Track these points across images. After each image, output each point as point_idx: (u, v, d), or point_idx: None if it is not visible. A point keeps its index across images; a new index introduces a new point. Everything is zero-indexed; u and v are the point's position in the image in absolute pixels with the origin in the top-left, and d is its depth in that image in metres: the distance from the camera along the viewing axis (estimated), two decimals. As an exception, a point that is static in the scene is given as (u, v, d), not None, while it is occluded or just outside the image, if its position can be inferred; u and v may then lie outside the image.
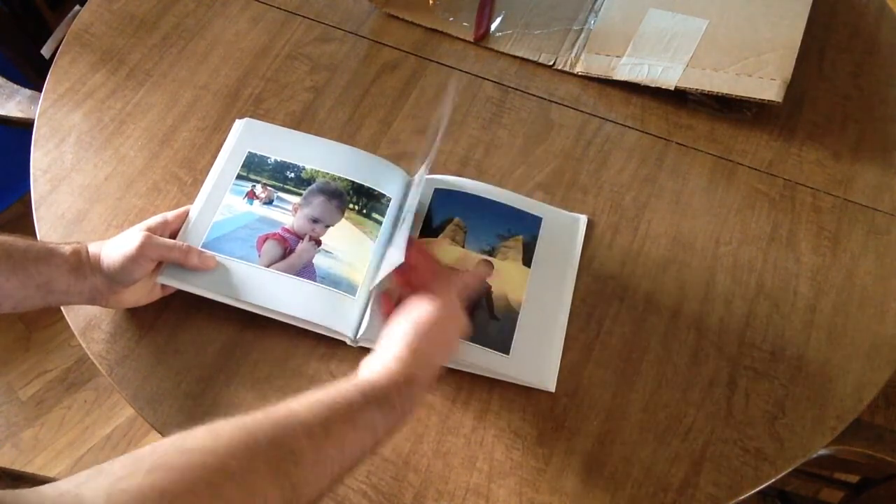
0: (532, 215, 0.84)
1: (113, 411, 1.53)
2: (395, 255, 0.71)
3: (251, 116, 0.89)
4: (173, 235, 0.78)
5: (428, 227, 0.82)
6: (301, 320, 0.75)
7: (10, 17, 1.24)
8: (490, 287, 0.79)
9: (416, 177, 0.81)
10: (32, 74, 1.25)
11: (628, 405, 0.75)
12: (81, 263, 0.70)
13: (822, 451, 0.75)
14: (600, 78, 0.96)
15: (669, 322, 0.80)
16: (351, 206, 0.82)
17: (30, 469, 1.45)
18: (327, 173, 0.84)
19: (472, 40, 1.00)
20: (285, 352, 0.76)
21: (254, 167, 0.83)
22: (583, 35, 1.00)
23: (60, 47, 0.97)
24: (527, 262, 0.81)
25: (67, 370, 1.57)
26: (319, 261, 0.78)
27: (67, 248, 0.70)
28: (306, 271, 0.77)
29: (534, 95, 0.95)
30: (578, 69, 0.97)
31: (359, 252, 0.80)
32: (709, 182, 0.89)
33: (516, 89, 0.96)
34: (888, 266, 0.84)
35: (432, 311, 0.65)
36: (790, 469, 0.72)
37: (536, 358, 0.76)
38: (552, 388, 0.75)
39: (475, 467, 0.71)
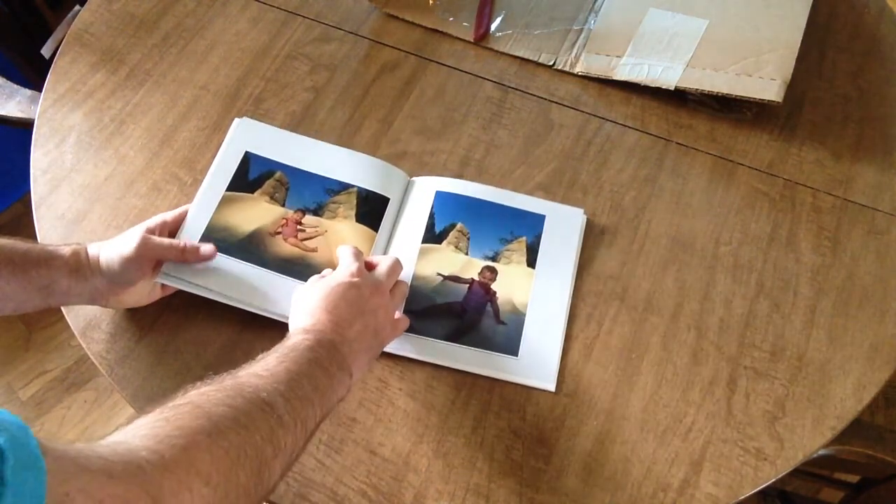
0: (534, 214, 0.84)
1: (113, 411, 1.53)
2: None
3: (251, 117, 0.89)
4: (173, 235, 0.78)
5: (430, 233, 0.82)
6: None
7: (10, 17, 1.24)
8: (495, 293, 0.79)
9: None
10: (32, 74, 1.25)
11: (628, 405, 0.75)
12: (81, 265, 0.70)
13: (822, 451, 0.75)
14: (600, 78, 0.96)
15: (669, 322, 0.80)
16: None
17: (30, 469, 1.45)
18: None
19: (472, 40, 1.00)
20: (285, 352, 0.76)
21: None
22: (583, 35, 1.00)
23: (60, 47, 0.97)
24: (531, 262, 0.81)
25: (67, 370, 1.57)
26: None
27: (67, 250, 0.70)
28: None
29: (534, 95, 0.95)
30: (578, 69, 0.97)
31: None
32: (709, 182, 0.89)
33: (516, 89, 0.96)
34: (888, 266, 0.84)
35: (338, 277, 0.68)
36: (790, 469, 0.72)
37: (541, 357, 0.76)
38: (552, 387, 0.75)
39: (475, 467, 0.71)
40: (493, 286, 0.79)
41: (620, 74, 0.95)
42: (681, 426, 0.74)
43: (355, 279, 0.67)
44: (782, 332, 0.79)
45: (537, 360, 0.76)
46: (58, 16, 1.36)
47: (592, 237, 0.84)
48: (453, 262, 0.80)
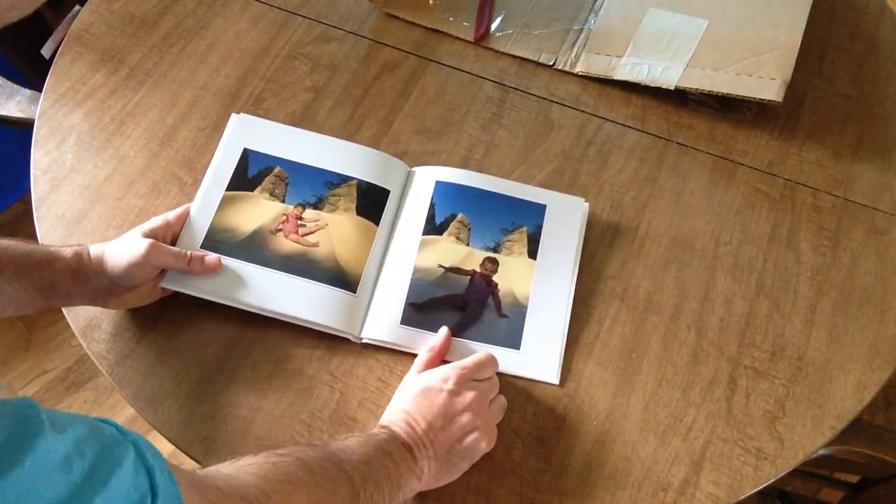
0: (536, 204, 0.84)
1: (113, 411, 1.53)
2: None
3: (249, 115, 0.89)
4: (175, 236, 0.78)
5: (431, 224, 0.82)
6: (305, 321, 0.76)
7: (10, 17, 1.24)
8: (496, 285, 0.79)
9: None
10: (32, 74, 1.25)
11: (628, 405, 0.75)
12: (83, 266, 0.70)
13: (822, 451, 0.75)
14: (600, 78, 0.96)
15: (669, 322, 0.80)
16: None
17: (30, 469, 1.45)
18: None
19: (472, 40, 1.00)
20: (285, 352, 0.76)
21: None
22: (583, 35, 1.00)
23: (60, 47, 0.97)
24: (532, 253, 0.81)
25: (67, 370, 1.57)
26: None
27: (69, 252, 0.70)
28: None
29: (534, 95, 0.95)
30: (578, 69, 0.97)
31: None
32: (709, 182, 0.89)
33: (516, 89, 0.96)
34: (888, 266, 0.84)
35: (430, 380, 0.69)
36: (790, 469, 0.72)
37: (544, 350, 0.76)
38: (556, 380, 0.75)
39: (475, 467, 0.71)
40: (495, 278, 0.79)
41: (620, 74, 0.95)
42: (681, 426, 0.74)
43: (447, 385, 0.68)
44: (782, 332, 0.79)
45: (540, 354, 0.76)
46: (58, 16, 1.35)
47: (592, 237, 0.84)
48: (454, 254, 0.80)
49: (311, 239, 0.80)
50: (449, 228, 0.81)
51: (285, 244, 0.79)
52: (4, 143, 1.59)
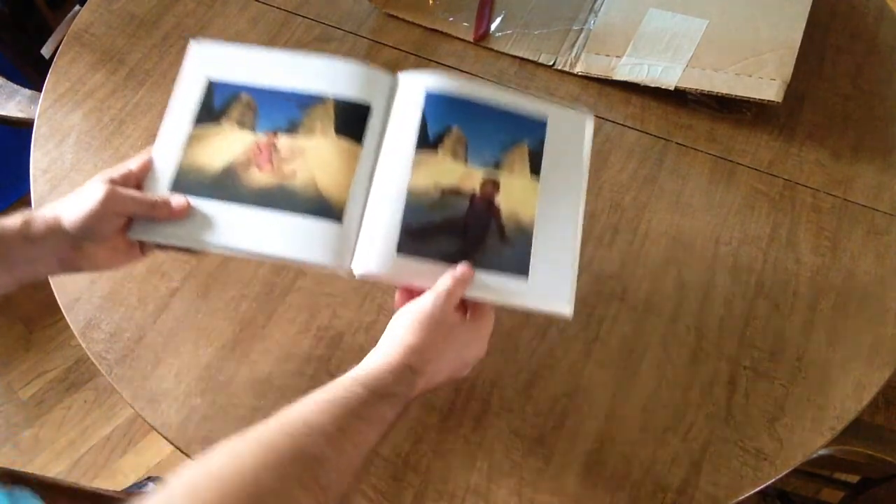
0: (535, 118, 0.75)
1: (113, 411, 1.53)
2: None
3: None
4: (139, 183, 0.70)
5: (424, 140, 0.72)
6: (286, 258, 0.67)
7: (10, 17, 1.24)
8: (498, 209, 0.71)
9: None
10: (32, 74, 1.25)
11: (628, 405, 0.75)
12: (33, 229, 0.65)
13: (822, 451, 0.75)
14: (600, 78, 0.96)
15: (669, 322, 0.80)
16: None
17: (30, 469, 1.45)
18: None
19: (472, 40, 1.00)
20: (284, 352, 0.77)
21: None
22: (583, 35, 1.00)
23: (60, 47, 0.97)
24: (534, 171, 0.73)
25: (67, 370, 1.57)
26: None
27: (16, 218, 0.65)
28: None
29: (533, 95, 0.95)
30: (578, 69, 0.97)
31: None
32: (709, 182, 0.89)
33: (516, 89, 0.96)
34: (888, 266, 0.84)
35: (438, 308, 0.64)
36: (790, 469, 0.72)
37: (554, 277, 0.70)
38: (570, 312, 0.68)
39: (475, 467, 0.71)
40: (496, 200, 0.71)
41: (620, 74, 0.95)
42: (680, 426, 0.74)
43: (467, 331, 0.65)
44: (782, 332, 0.79)
45: (549, 281, 0.69)
46: (58, 16, 1.36)
47: (592, 237, 0.84)
48: (452, 172, 0.71)
49: (287, 169, 0.71)
50: (443, 144, 0.72)
51: (259, 177, 0.70)
52: (4, 143, 1.59)
